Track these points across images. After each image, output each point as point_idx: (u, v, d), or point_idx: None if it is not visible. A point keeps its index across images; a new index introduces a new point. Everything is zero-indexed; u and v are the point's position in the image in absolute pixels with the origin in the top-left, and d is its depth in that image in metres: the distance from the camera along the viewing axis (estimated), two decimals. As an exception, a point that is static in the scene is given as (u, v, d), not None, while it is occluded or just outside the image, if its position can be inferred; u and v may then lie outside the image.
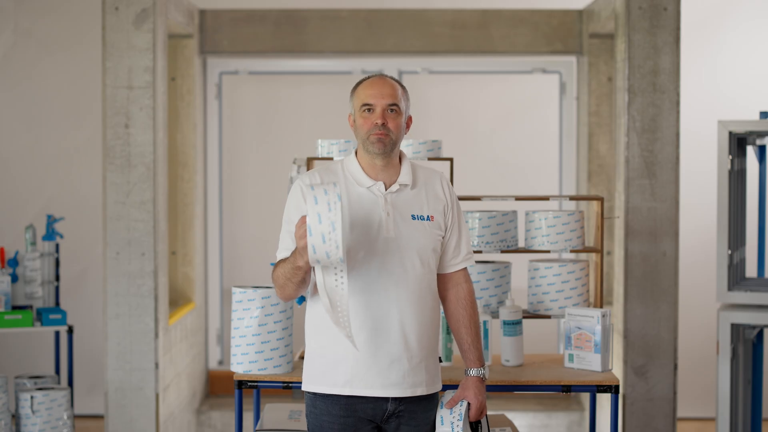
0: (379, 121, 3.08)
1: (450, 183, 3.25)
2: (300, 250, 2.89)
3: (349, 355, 3.05)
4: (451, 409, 3.16)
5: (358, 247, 3.03)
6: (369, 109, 3.10)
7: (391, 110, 3.10)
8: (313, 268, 2.92)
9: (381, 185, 3.11)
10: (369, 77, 3.16)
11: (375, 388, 3.05)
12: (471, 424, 3.18)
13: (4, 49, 6.61)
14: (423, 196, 3.15)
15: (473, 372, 3.20)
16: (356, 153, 3.17)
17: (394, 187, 3.11)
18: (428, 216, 3.13)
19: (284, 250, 3.10)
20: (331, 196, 2.81)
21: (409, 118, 3.18)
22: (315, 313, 3.12)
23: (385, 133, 3.08)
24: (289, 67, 6.87)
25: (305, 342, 3.19)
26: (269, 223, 6.54)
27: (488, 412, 3.54)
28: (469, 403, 3.17)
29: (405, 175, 3.14)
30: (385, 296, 3.04)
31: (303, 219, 2.86)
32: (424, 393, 3.11)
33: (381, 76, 3.15)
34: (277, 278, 3.04)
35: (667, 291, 5.04)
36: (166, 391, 5.46)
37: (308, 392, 3.14)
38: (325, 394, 3.09)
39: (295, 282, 2.99)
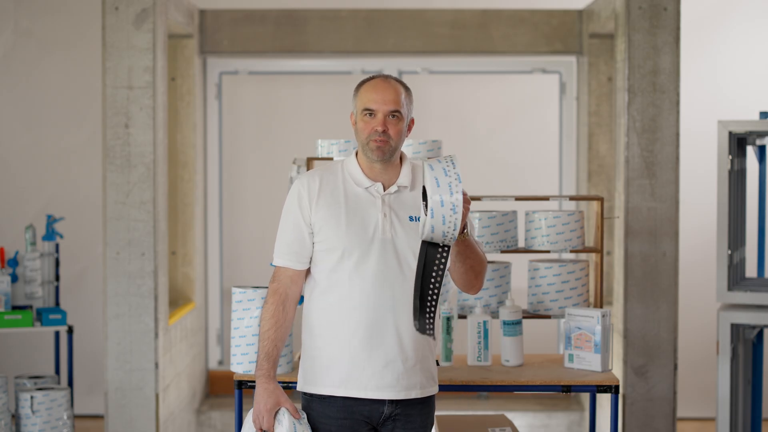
0: (380, 128, 3.05)
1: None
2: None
3: (344, 356, 3.04)
4: (444, 168, 2.80)
5: (354, 247, 3.02)
6: (370, 114, 3.06)
7: (393, 116, 3.06)
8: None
9: (379, 186, 3.09)
10: (373, 78, 3.11)
11: (369, 389, 3.04)
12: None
13: (4, 49, 6.61)
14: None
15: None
16: (356, 154, 3.14)
17: (393, 189, 3.09)
18: None
19: (280, 255, 3.11)
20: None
21: (411, 121, 3.14)
22: (311, 314, 3.12)
23: (384, 140, 3.05)
24: (289, 67, 6.87)
25: (302, 343, 3.18)
26: (269, 223, 6.53)
27: (488, 413, 3.51)
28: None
29: (404, 177, 3.11)
30: (380, 297, 3.03)
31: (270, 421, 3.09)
32: (419, 396, 3.09)
33: (385, 79, 3.09)
34: (260, 320, 3.15)
35: (667, 291, 5.04)
36: (166, 391, 5.46)
37: (304, 394, 3.14)
38: (321, 396, 3.08)
39: None
